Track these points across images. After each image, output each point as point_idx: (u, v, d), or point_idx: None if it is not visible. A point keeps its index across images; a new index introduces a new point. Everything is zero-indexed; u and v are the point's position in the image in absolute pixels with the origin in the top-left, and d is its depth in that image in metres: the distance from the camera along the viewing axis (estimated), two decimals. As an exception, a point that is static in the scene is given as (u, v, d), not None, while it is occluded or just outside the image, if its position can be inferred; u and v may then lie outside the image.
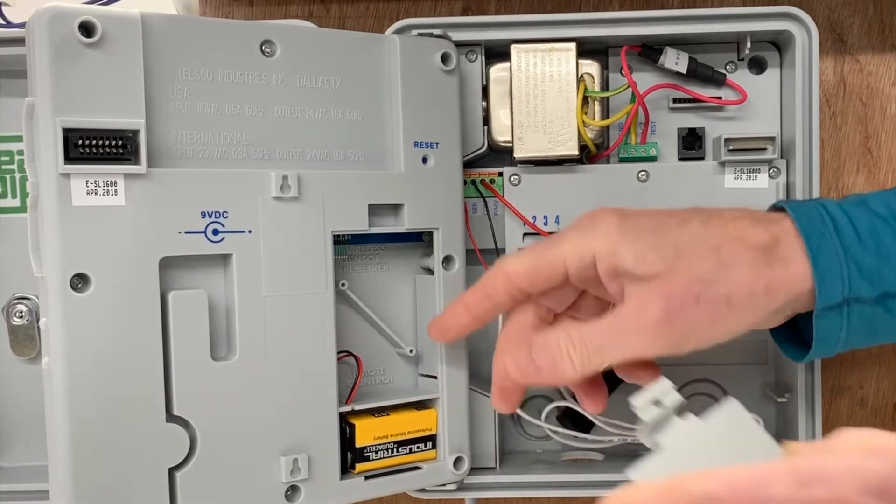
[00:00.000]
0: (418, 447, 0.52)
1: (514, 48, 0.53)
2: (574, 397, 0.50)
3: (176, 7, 0.63)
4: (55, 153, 0.41)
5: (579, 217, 0.45)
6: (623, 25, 0.53)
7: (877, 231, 0.43)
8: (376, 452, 0.50)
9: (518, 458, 0.58)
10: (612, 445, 0.54)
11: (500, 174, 0.56)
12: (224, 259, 0.46)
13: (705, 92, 0.56)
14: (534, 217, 0.56)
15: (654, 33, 0.53)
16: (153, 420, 0.43)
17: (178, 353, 0.44)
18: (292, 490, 0.47)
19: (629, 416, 0.40)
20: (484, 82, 0.55)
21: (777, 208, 0.47)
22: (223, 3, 0.61)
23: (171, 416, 0.44)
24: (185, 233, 0.44)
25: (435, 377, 0.52)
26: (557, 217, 0.56)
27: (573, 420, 0.55)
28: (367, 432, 0.50)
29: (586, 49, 0.54)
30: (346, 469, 0.49)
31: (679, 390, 0.38)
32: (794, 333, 0.48)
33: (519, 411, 0.51)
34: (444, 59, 0.52)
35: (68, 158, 0.41)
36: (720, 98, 0.56)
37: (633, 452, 0.54)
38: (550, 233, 0.55)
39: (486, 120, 0.55)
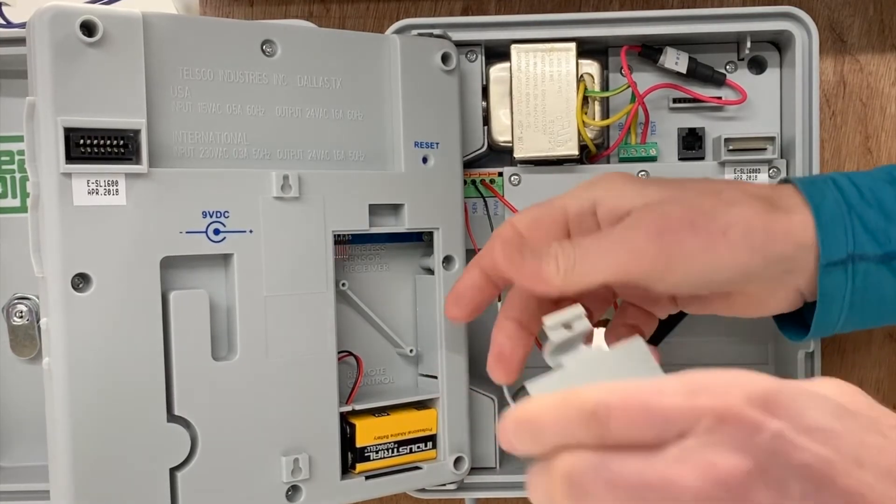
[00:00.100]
0: (418, 447, 0.52)
1: (514, 48, 0.53)
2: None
3: (176, 7, 0.63)
4: (56, 153, 0.41)
5: None
6: (623, 25, 0.53)
7: (880, 191, 0.44)
8: (377, 452, 0.50)
9: (518, 459, 0.58)
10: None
11: (500, 174, 0.56)
12: (225, 259, 0.46)
13: (705, 92, 0.56)
14: (534, 217, 0.56)
15: (654, 33, 0.54)
16: (154, 420, 0.43)
17: (179, 353, 0.44)
18: (293, 490, 0.47)
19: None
20: (484, 82, 0.55)
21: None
22: (223, 3, 0.61)
23: (171, 416, 0.44)
24: (186, 232, 0.44)
25: (435, 377, 0.52)
26: (558, 217, 0.56)
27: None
28: (367, 432, 0.50)
29: (586, 49, 0.54)
30: (346, 469, 0.49)
31: None
32: (796, 316, 0.48)
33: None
34: (445, 59, 0.52)
35: (69, 158, 0.41)
36: (720, 98, 0.56)
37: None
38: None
39: (486, 120, 0.55)
